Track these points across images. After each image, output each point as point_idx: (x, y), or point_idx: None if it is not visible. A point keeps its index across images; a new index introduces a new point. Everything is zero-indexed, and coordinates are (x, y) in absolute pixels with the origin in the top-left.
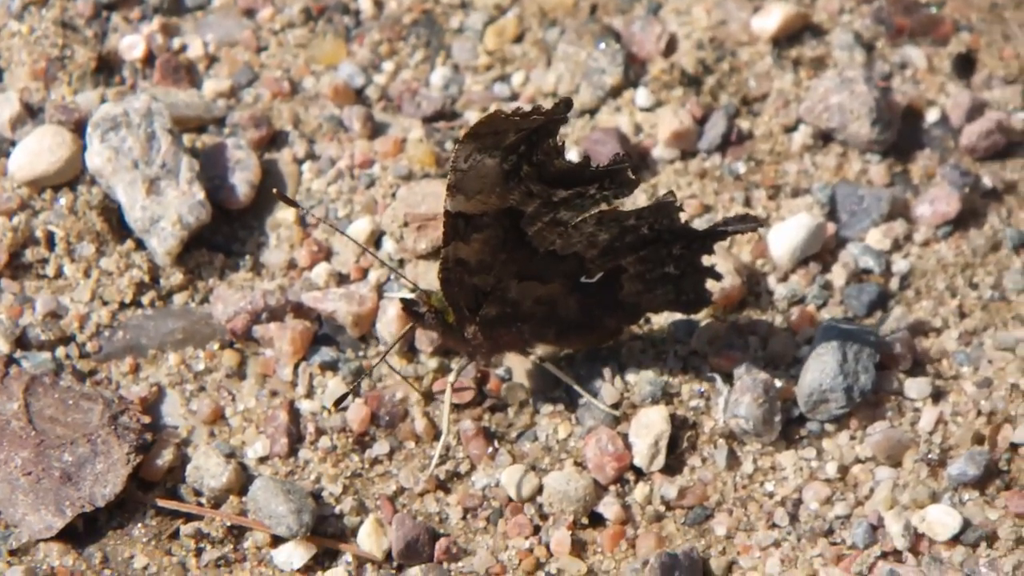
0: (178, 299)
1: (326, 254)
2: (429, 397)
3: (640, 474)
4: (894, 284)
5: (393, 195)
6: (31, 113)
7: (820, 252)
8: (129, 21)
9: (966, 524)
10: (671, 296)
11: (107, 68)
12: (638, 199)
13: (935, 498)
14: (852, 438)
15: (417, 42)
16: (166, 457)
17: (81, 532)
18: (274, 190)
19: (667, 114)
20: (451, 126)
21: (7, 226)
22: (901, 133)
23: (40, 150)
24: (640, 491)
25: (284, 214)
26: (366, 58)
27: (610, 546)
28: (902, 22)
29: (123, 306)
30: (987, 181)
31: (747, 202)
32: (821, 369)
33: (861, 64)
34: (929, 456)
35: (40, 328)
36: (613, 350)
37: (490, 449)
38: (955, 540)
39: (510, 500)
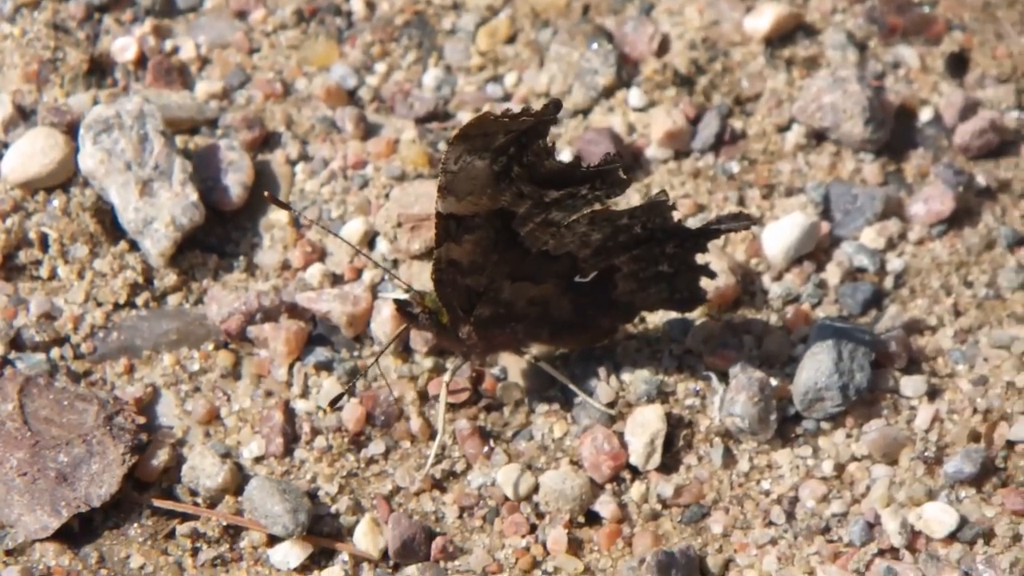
0: (172, 300)
1: (320, 255)
2: (424, 398)
3: (636, 473)
4: (889, 283)
5: (386, 196)
6: (23, 115)
7: (814, 251)
8: (121, 23)
9: (963, 521)
10: (665, 295)
11: (99, 70)
12: (631, 199)
13: (932, 496)
14: (848, 436)
15: (409, 43)
16: (162, 457)
17: (77, 532)
18: (265, 194)
19: (660, 114)
20: (444, 127)
21: (1, 228)
22: (894, 132)
23: (33, 152)
24: (636, 490)
25: (278, 215)
26: (358, 59)
27: (607, 545)
28: (895, 21)
29: (117, 307)
30: (981, 180)
31: (741, 202)
32: (816, 367)
33: (854, 63)
34: (925, 454)
35: (34, 329)
36: (608, 349)
37: (486, 448)
38: (952, 537)
39: (506, 499)
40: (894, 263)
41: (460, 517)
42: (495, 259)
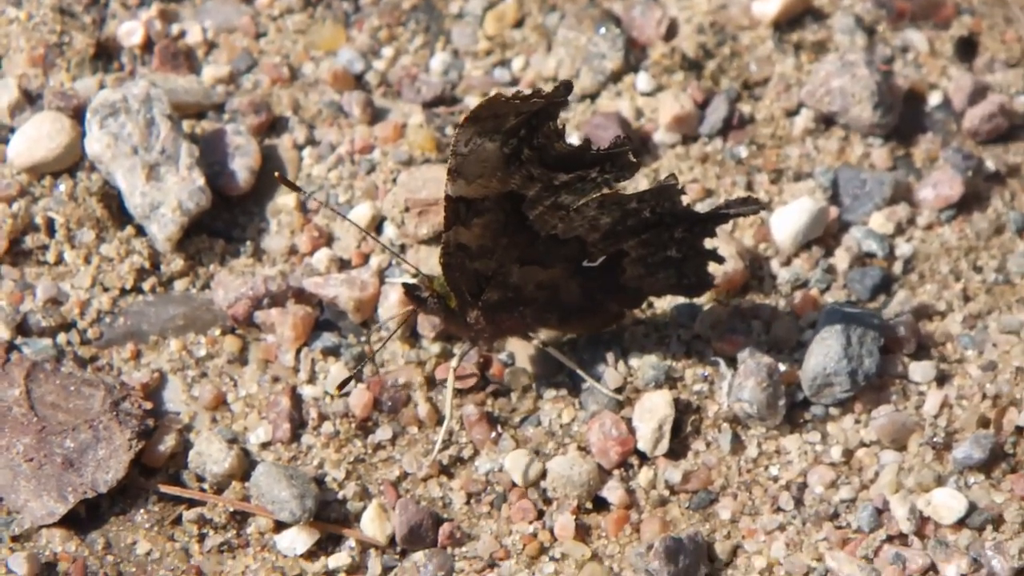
0: (179, 285)
1: (327, 239)
2: (431, 383)
3: (644, 458)
4: (897, 268)
5: (394, 180)
6: (30, 100)
7: (823, 236)
8: (127, 7)
9: (972, 507)
10: (673, 280)
11: (106, 54)
12: (639, 183)
13: (940, 481)
14: (857, 422)
15: (417, 27)
16: (168, 443)
17: (83, 518)
18: (276, 174)
19: (668, 98)
20: (451, 111)
21: (7, 213)
22: (903, 117)
23: (39, 136)
24: (644, 475)
25: (285, 200)
26: (365, 43)
27: (614, 530)
28: (903, 5)
29: (124, 292)
30: (990, 164)
31: (749, 186)
32: (825, 353)
33: (862, 48)
34: (934, 440)
35: (41, 314)
36: (616, 334)
37: (493, 434)
38: (961, 523)
39: (514, 485)
40: (903, 248)
41: (467, 503)
42: (504, 243)
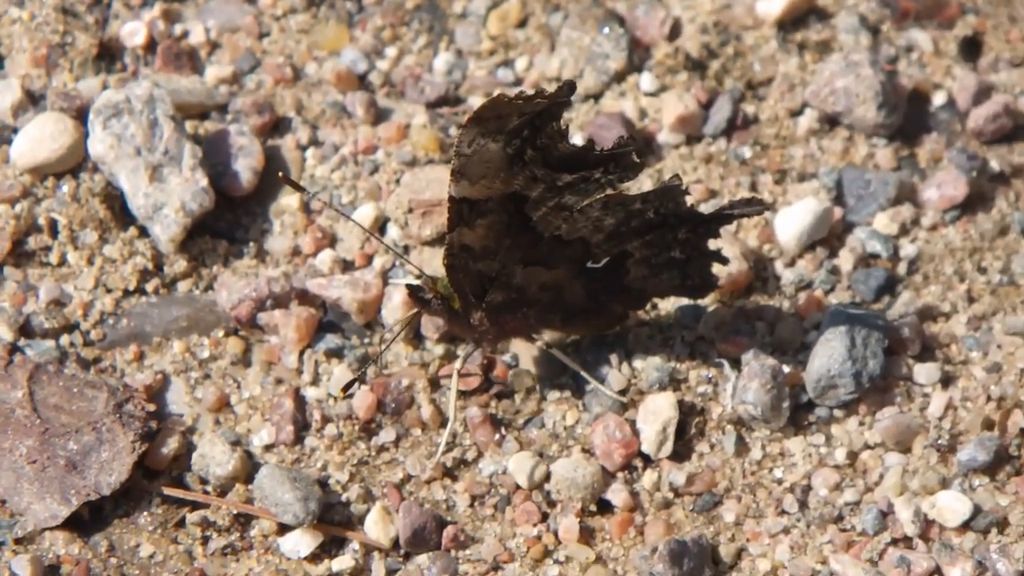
0: (182, 286)
1: (330, 240)
2: (435, 385)
3: (648, 461)
4: (902, 269)
5: (397, 181)
6: (33, 100)
7: (827, 237)
8: (130, 7)
9: (976, 510)
10: (677, 281)
11: (108, 55)
12: (643, 184)
13: (945, 484)
14: (861, 424)
15: (420, 27)
16: (171, 445)
17: (87, 520)
18: (280, 174)
19: (672, 99)
20: (455, 112)
21: (10, 214)
22: (907, 117)
23: (42, 137)
24: (648, 478)
25: (288, 200)
26: (369, 44)
27: (618, 533)
28: (908, 5)
29: (127, 293)
30: (994, 164)
31: (753, 187)
32: (829, 354)
33: (867, 47)
34: (939, 442)
35: (44, 316)
36: (620, 336)
37: (497, 436)
38: (965, 526)
39: (517, 487)
40: (907, 249)
41: (471, 506)
42: (508, 244)
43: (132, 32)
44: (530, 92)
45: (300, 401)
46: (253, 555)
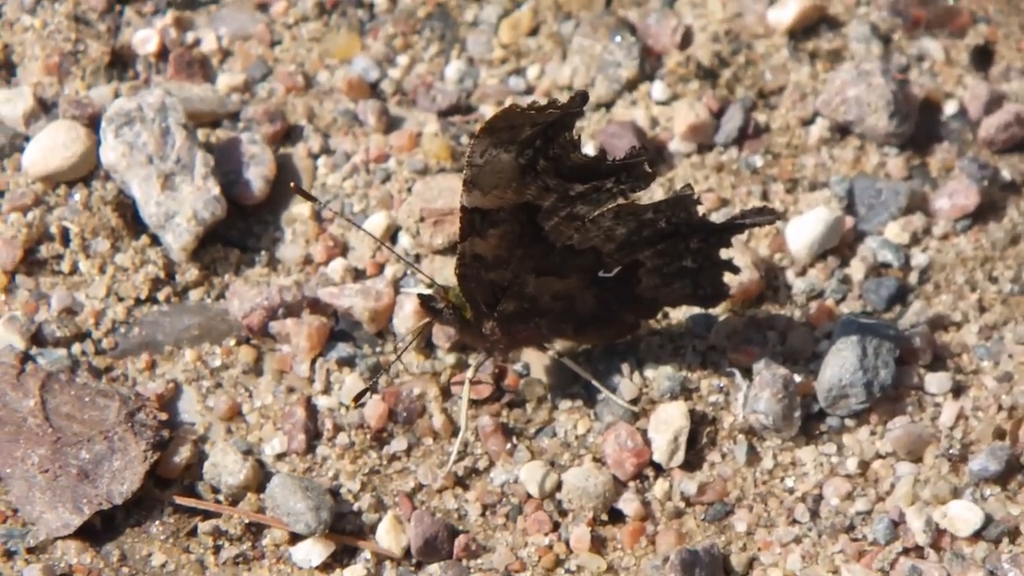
0: (194, 295)
1: (342, 249)
2: (446, 394)
3: (659, 470)
4: (913, 278)
5: (409, 190)
6: (45, 108)
7: (838, 246)
8: (142, 15)
9: (988, 520)
10: (688, 290)
11: (120, 63)
12: (655, 193)
13: (956, 494)
14: (872, 433)
15: (431, 36)
16: (183, 454)
17: (99, 530)
18: (291, 184)
19: (683, 107)
20: (466, 120)
21: (22, 222)
22: (919, 126)
23: (54, 145)
24: (660, 487)
25: (299, 209)
26: (380, 52)
27: (630, 543)
28: (919, 14)
29: (139, 302)
30: (1006, 174)
31: (764, 196)
32: (840, 364)
33: (878, 56)
34: (950, 451)
35: (56, 324)
36: (631, 345)
37: (508, 445)
38: (977, 536)
39: (529, 496)
40: (918, 258)
41: (483, 515)
42: (520, 253)
43: (144, 40)
44: (542, 103)
45: (312, 410)
46: (265, 564)
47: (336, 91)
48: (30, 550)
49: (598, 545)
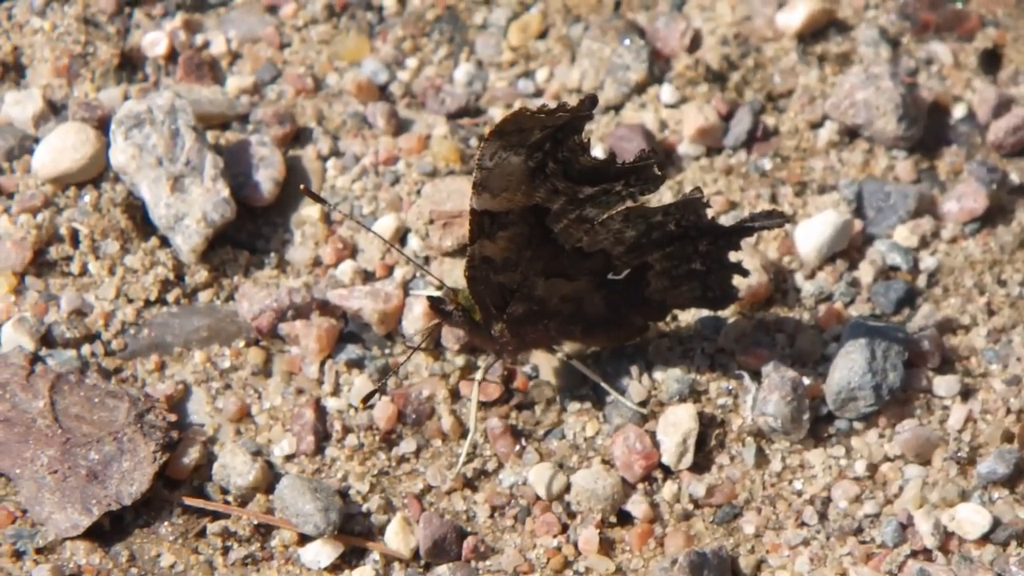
0: (203, 297)
1: (351, 251)
2: (455, 396)
3: (668, 472)
4: (922, 281)
5: (418, 192)
6: (54, 110)
7: (847, 249)
8: (152, 17)
9: (996, 522)
10: (697, 292)
11: (130, 65)
12: (664, 196)
13: (965, 496)
14: (881, 436)
15: (440, 38)
16: (192, 455)
17: (108, 530)
18: (301, 186)
19: (692, 110)
20: (475, 123)
21: (31, 223)
22: (927, 129)
23: (64, 147)
24: (668, 489)
25: (309, 211)
26: (390, 54)
27: (638, 545)
28: (928, 17)
29: (148, 304)
30: (1014, 177)
31: (773, 199)
32: (849, 367)
33: (887, 60)
34: (958, 454)
35: (65, 326)
36: (640, 347)
37: (517, 447)
38: (985, 539)
39: (538, 498)
40: (927, 261)
41: (491, 516)
42: (529, 256)
43: (153, 42)
44: (552, 106)
45: (321, 411)
46: (273, 565)
47: (345, 93)
48: (39, 550)
49: (607, 547)
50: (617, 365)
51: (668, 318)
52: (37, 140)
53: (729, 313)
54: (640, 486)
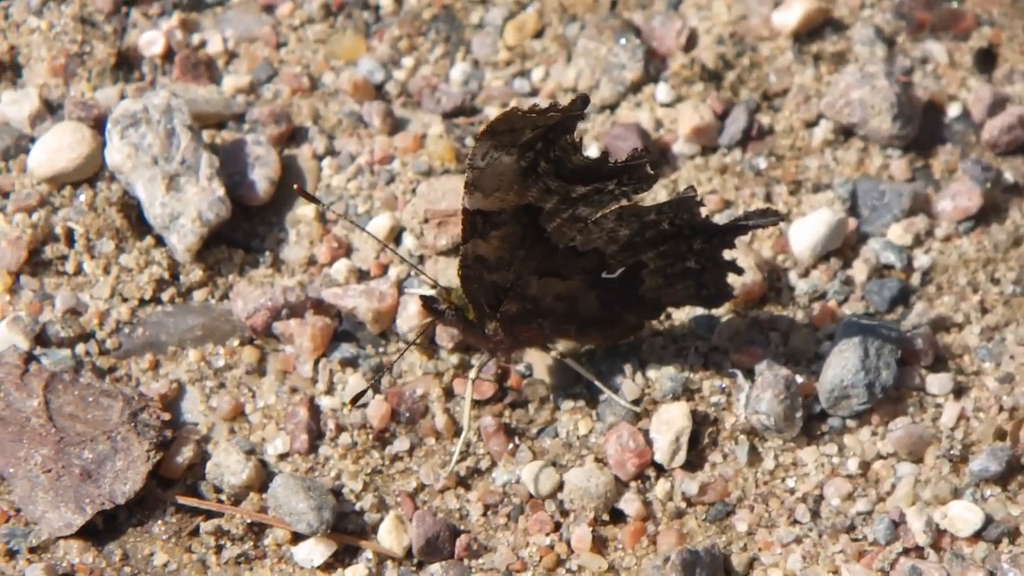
0: (198, 296)
1: (346, 250)
2: (449, 394)
3: (661, 470)
4: (915, 279)
5: (413, 191)
6: (50, 109)
7: (841, 247)
8: (148, 17)
9: (988, 520)
10: (692, 291)
11: (126, 64)
12: (658, 194)
13: (957, 494)
14: (874, 434)
15: (437, 37)
16: (186, 454)
17: (101, 529)
18: (295, 186)
19: (687, 109)
20: (471, 122)
21: (27, 223)
22: (922, 128)
23: (60, 147)
24: (661, 487)
25: (304, 210)
26: (386, 53)
27: (631, 543)
28: (923, 17)
29: (143, 303)
30: (1008, 176)
31: (768, 197)
32: (842, 365)
33: (882, 59)
34: (951, 452)
35: (60, 325)
36: (634, 346)
37: (511, 445)
38: (977, 536)
39: (531, 497)
40: (921, 260)
41: (484, 515)
42: (522, 255)
43: (150, 42)
44: (544, 106)
45: (315, 410)
46: (267, 564)
47: (341, 93)
48: (32, 549)
49: (599, 545)
50: (611, 363)
51: (662, 316)
52: (33, 139)
53: (723, 311)
54: (633, 484)
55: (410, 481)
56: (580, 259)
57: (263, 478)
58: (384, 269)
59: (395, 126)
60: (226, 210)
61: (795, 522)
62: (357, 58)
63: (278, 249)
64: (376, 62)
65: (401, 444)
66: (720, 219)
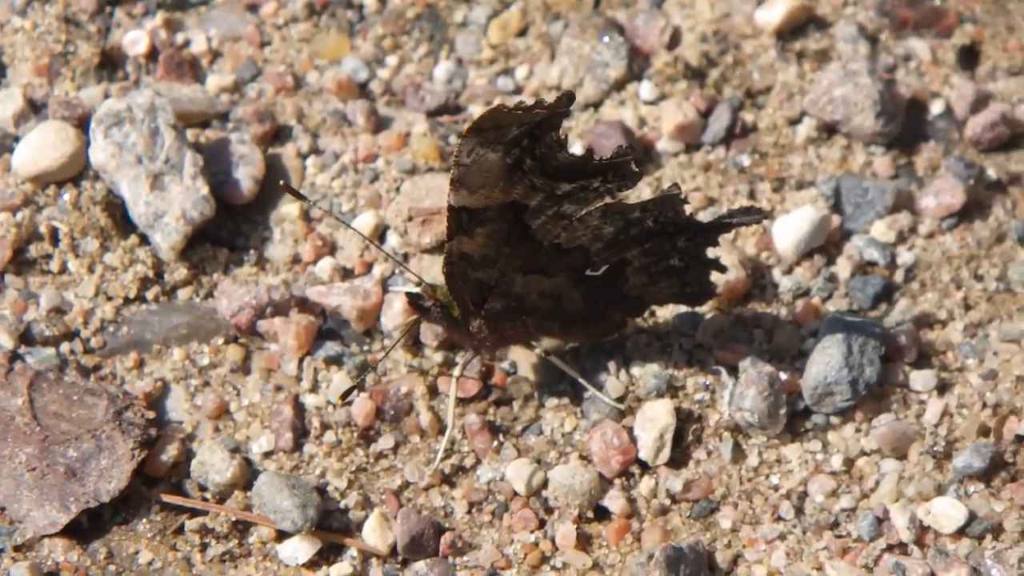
0: (182, 294)
1: (330, 248)
2: (433, 392)
3: (645, 467)
4: (899, 276)
5: (397, 189)
6: (34, 109)
7: (825, 244)
8: (132, 16)
9: (972, 516)
10: (675, 289)
11: (110, 63)
12: (642, 192)
13: (941, 491)
14: (857, 431)
15: (421, 36)
16: (171, 452)
17: (86, 528)
18: (281, 183)
19: (671, 107)
20: (455, 120)
21: (11, 222)
22: (905, 125)
23: (44, 146)
24: (645, 484)
25: (288, 208)
26: (370, 52)
27: (615, 540)
28: (906, 14)
29: (127, 301)
30: (992, 173)
31: (751, 195)
32: (826, 362)
33: (865, 56)
34: (935, 448)
35: (44, 324)
36: (618, 343)
37: (495, 443)
38: (961, 532)
39: (515, 494)
40: (904, 257)
41: (469, 512)
42: (507, 252)
43: (134, 41)
44: (529, 103)
45: (299, 408)
46: (251, 562)
47: (325, 91)
48: (17, 548)
49: (584, 542)
50: (595, 361)
51: (646, 314)
52: (17, 139)
53: (707, 309)
54: (617, 481)
55: (395, 479)
56: (565, 256)
57: (248, 476)
58: (368, 267)
59: (379, 124)
60: (210, 209)
61: (779, 519)
62: (341, 57)
63: (262, 247)
64: (360, 61)
65: (386, 442)
66: (704, 217)
